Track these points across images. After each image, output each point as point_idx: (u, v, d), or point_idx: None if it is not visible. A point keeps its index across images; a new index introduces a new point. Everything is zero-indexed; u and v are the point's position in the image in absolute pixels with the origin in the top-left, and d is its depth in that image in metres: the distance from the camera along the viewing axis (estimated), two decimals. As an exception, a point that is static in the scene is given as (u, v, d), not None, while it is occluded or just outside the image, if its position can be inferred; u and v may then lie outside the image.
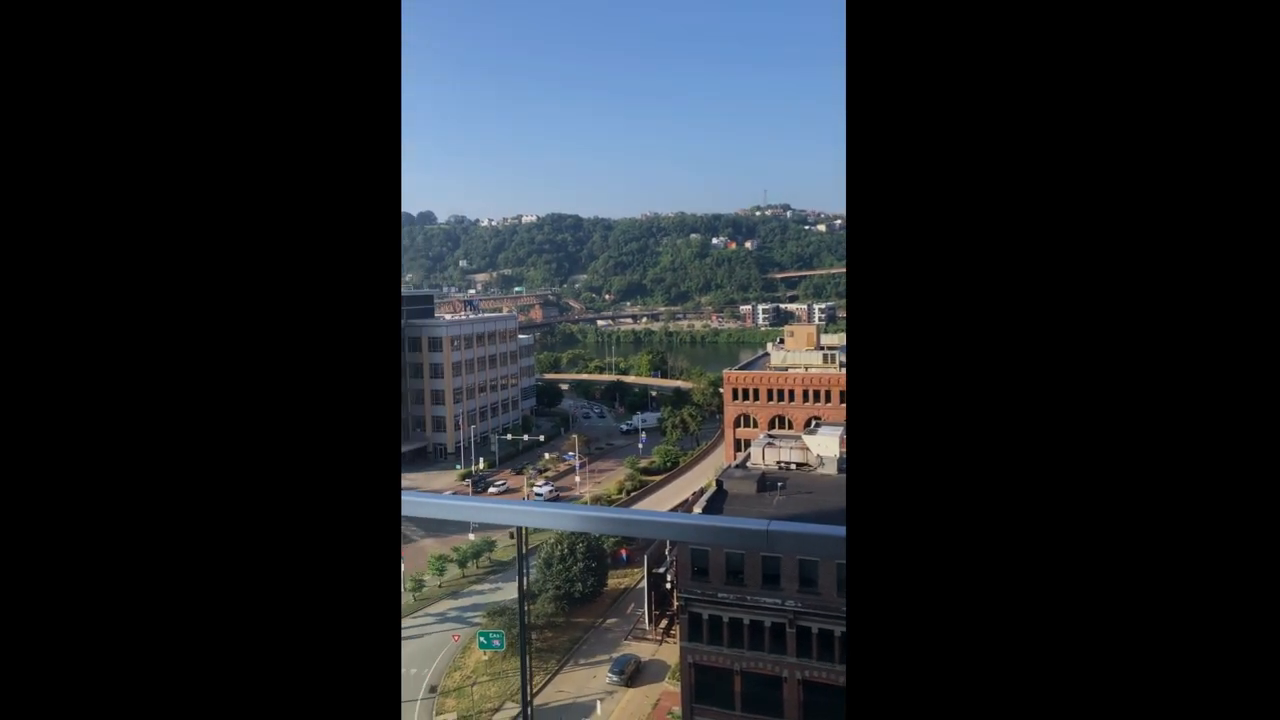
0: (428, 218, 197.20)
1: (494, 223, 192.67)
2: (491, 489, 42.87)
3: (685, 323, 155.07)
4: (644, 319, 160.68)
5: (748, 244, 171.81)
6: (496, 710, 22.62)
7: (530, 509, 2.01)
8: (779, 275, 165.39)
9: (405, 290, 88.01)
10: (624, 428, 57.73)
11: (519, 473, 46.98)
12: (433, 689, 23.53)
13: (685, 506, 34.66)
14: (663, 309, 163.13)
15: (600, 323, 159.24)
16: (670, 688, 23.02)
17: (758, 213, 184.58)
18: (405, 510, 2.07)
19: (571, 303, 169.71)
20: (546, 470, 46.52)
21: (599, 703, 22.42)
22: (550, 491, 43.34)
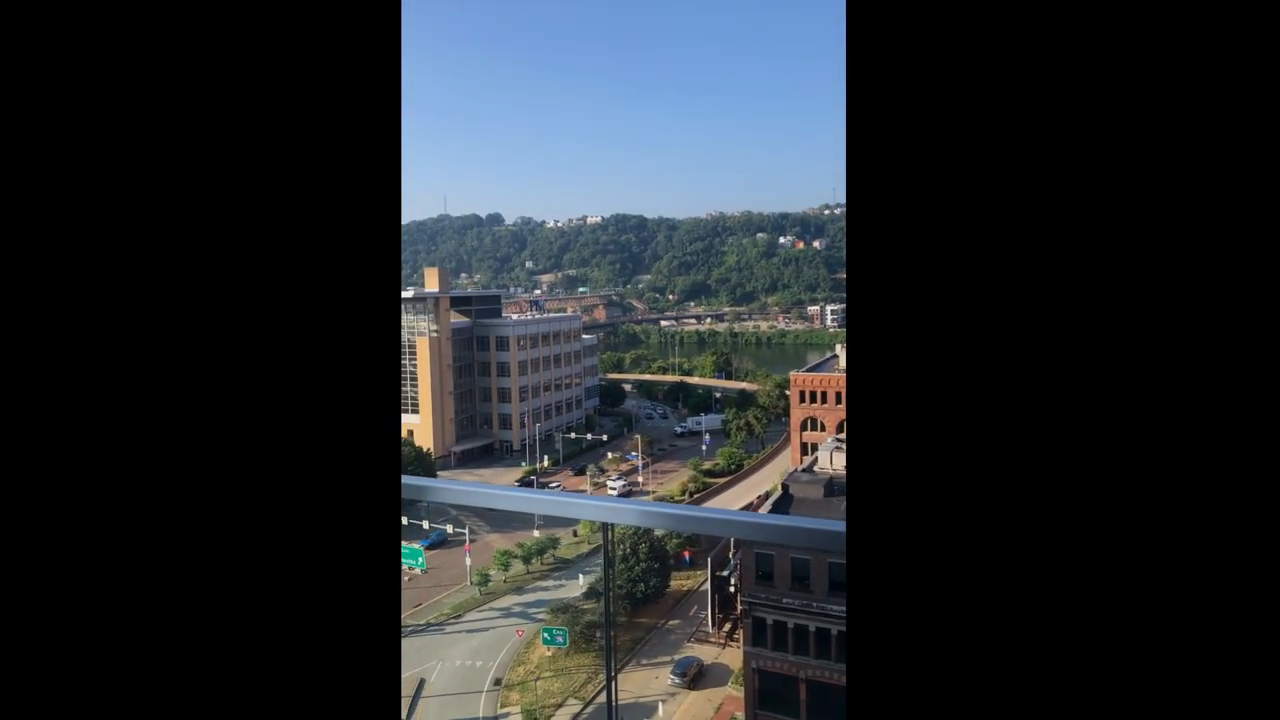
0: (496, 219, 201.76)
1: (559, 224, 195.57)
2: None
3: (751, 323, 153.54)
4: (708, 319, 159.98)
5: (816, 243, 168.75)
6: (559, 706, 22.82)
7: (616, 505, 1.95)
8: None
9: (475, 290, 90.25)
10: (678, 429, 57.31)
11: (579, 473, 47.37)
12: (497, 682, 23.95)
13: (750, 510, 34.27)
14: (728, 309, 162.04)
15: (664, 323, 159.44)
16: (734, 692, 22.74)
17: (827, 211, 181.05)
18: (489, 503, 2.02)
19: (635, 303, 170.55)
20: (606, 472, 46.71)
21: (661, 704, 22.33)
22: (623, 487, 43.56)
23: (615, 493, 43.26)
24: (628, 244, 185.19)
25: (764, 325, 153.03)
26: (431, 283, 58.95)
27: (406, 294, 56.74)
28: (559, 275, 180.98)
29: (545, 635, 24.50)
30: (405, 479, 2.14)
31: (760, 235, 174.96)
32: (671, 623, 27.57)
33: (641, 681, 23.44)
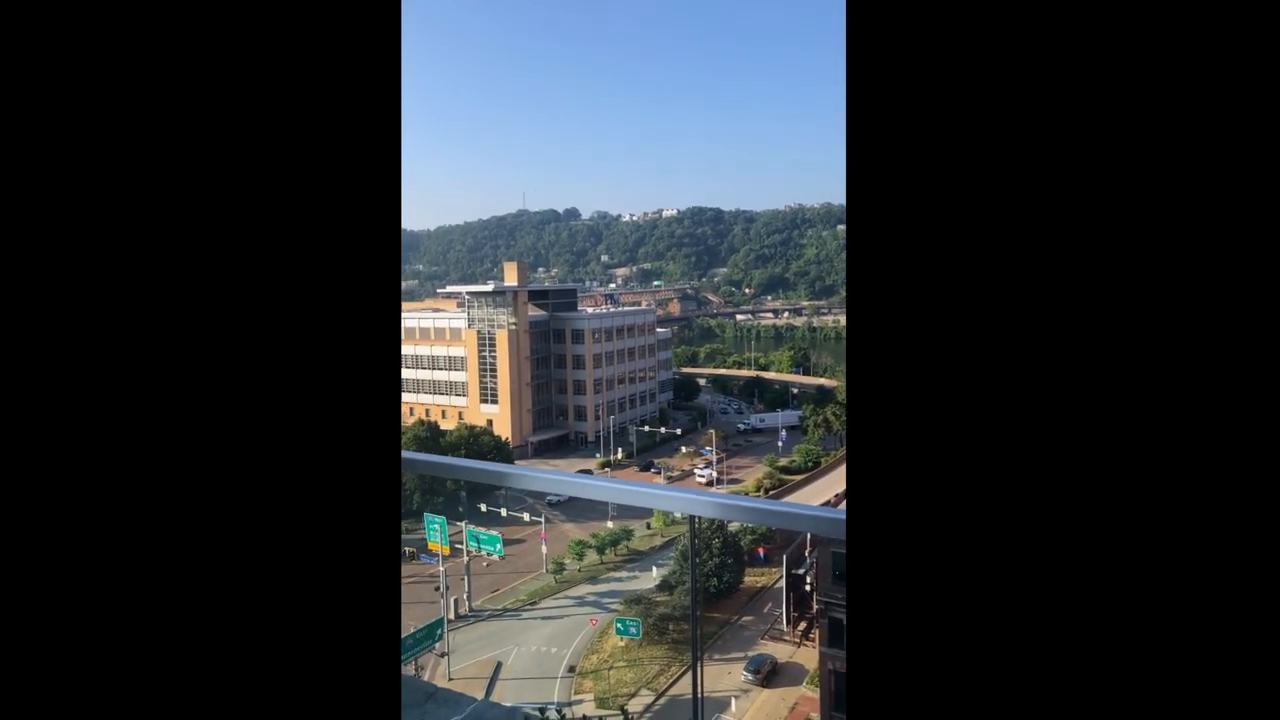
0: (572, 214, 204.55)
1: (635, 218, 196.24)
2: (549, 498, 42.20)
3: (830, 318, 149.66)
4: (786, 313, 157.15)
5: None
6: (632, 696, 22.97)
7: (701, 497, 1.87)
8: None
9: (551, 285, 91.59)
10: (741, 426, 56.01)
11: (646, 469, 47.32)
12: (571, 669, 24.32)
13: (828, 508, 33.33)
14: (806, 303, 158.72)
15: (739, 317, 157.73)
16: (809, 693, 22.30)
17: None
18: (579, 493, 1.99)
19: (710, 296, 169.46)
20: (672, 471, 46.51)
21: (734, 700, 22.13)
22: (711, 477, 43.47)
23: (704, 481, 43.17)
24: (704, 237, 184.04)
25: (844, 320, 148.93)
26: (510, 277, 60.29)
27: (486, 287, 58.23)
28: (634, 269, 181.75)
29: (618, 625, 24.70)
30: (494, 465, 2.13)
31: (840, 227, 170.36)
32: (744, 619, 27.29)
33: (714, 676, 23.31)
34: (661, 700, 22.93)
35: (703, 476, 43.94)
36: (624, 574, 31.49)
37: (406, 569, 30.89)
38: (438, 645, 23.67)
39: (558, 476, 1.95)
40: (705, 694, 21.94)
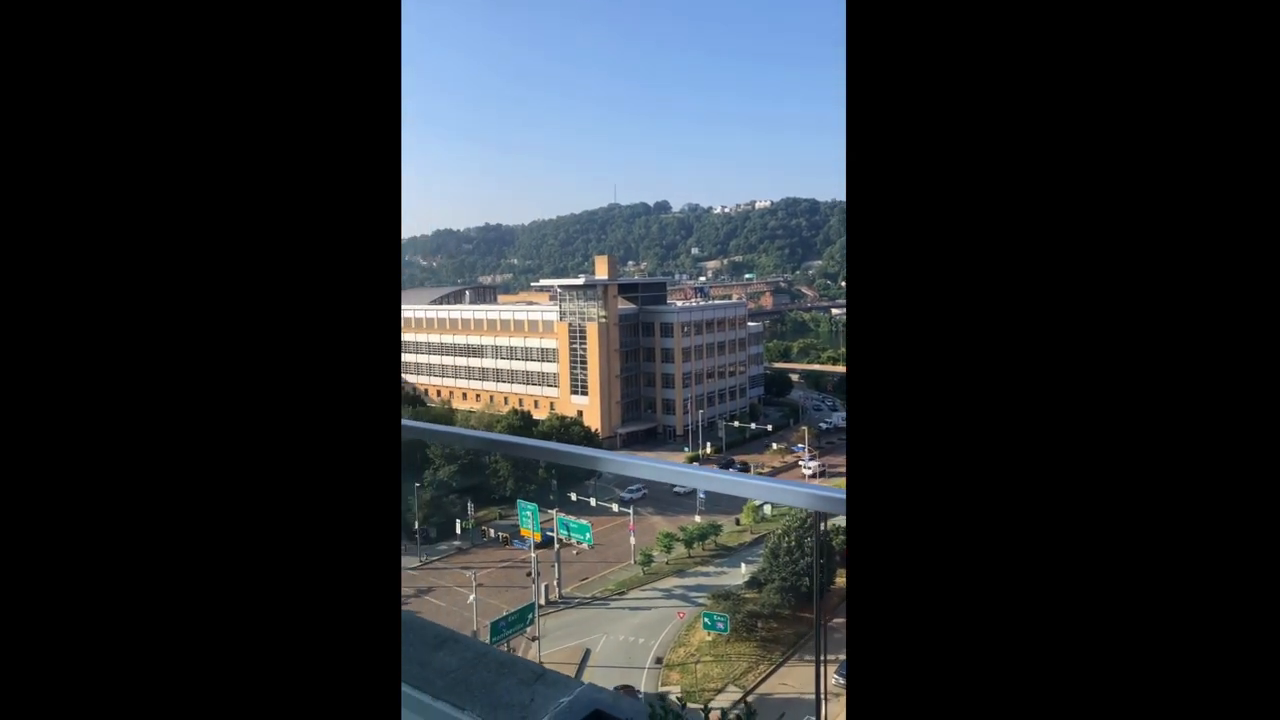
0: (663, 207, 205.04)
1: (726, 209, 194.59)
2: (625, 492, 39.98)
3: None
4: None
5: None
6: (719, 691, 22.84)
7: (830, 494, 1.81)
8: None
9: (641, 278, 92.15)
10: (823, 425, 53.98)
11: (726, 468, 46.67)
12: (658, 660, 24.43)
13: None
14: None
15: (835, 311, 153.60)
16: (903, 701, 21.47)
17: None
18: (690, 482, 1.93)
19: (804, 289, 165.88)
20: (761, 468, 45.80)
21: (824, 702, 21.60)
22: (818, 468, 42.98)
23: (809, 472, 42.76)
24: (798, 229, 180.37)
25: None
26: (601, 270, 61.05)
27: (578, 281, 59.25)
28: (724, 262, 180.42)
29: (706, 620, 24.59)
30: (595, 452, 2.11)
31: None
32: (836, 620, 26.55)
33: (805, 678, 22.82)
34: (750, 698, 22.67)
35: (808, 469, 43.44)
36: (712, 569, 31.33)
37: (500, 554, 31.94)
38: (529, 629, 24.32)
39: (653, 464, 1.88)
40: (796, 695, 21.54)
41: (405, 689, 2.30)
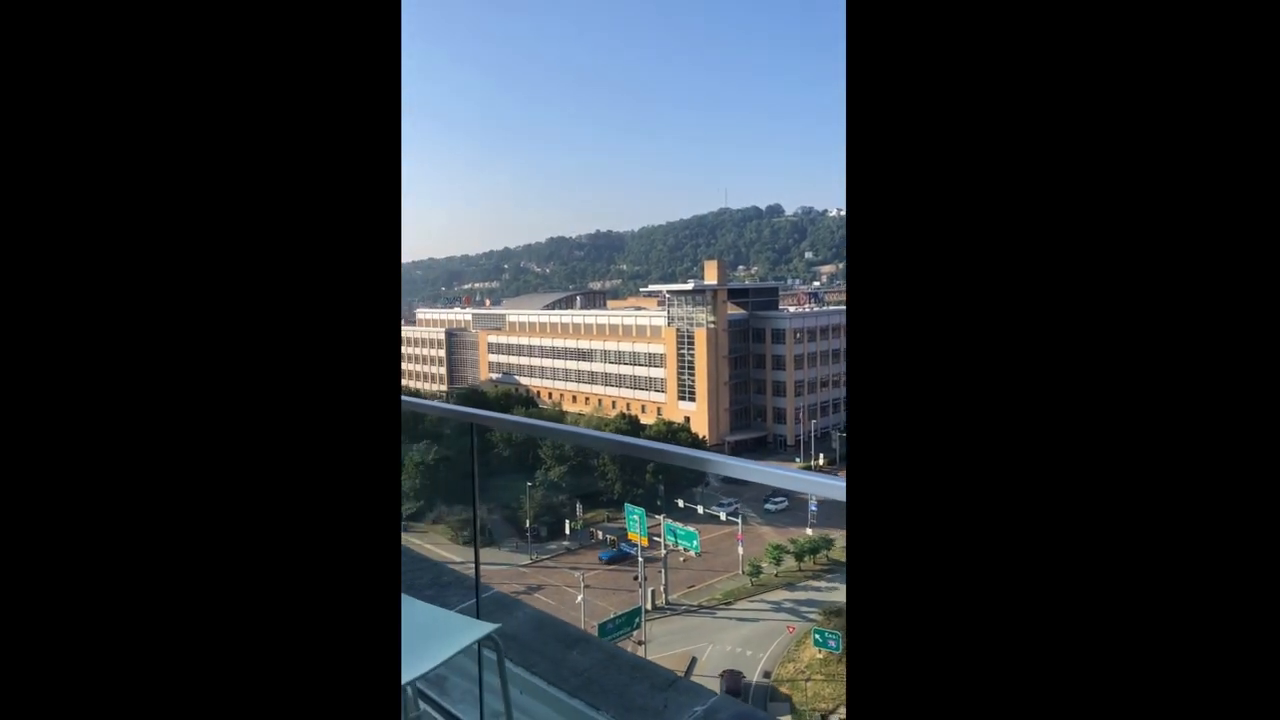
0: (775, 210, 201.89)
1: (842, 212, 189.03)
2: (768, 504, 38.10)
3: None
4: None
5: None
6: (831, 712, 22.02)
7: None
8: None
9: (752, 283, 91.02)
10: None
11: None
12: (766, 674, 23.89)
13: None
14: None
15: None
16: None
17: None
18: (797, 488, 1.79)
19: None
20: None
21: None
22: None
23: None
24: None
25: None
26: (710, 275, 60.86)
27: (686, 286, 59.32)
28: (840, 266, 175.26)
29: (816, 637, 23.81)
30: (699, 453, 2.04)
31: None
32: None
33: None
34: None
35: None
36: (823, 584, 30.35)
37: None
38: (635, 633, 24.45)
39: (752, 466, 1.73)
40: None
41: (542, 684, 2.30)
